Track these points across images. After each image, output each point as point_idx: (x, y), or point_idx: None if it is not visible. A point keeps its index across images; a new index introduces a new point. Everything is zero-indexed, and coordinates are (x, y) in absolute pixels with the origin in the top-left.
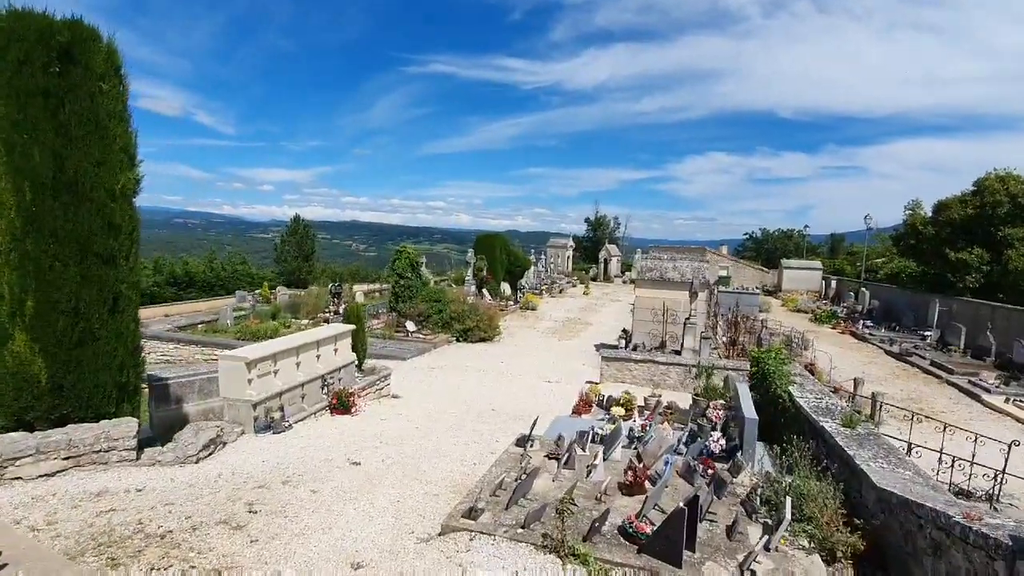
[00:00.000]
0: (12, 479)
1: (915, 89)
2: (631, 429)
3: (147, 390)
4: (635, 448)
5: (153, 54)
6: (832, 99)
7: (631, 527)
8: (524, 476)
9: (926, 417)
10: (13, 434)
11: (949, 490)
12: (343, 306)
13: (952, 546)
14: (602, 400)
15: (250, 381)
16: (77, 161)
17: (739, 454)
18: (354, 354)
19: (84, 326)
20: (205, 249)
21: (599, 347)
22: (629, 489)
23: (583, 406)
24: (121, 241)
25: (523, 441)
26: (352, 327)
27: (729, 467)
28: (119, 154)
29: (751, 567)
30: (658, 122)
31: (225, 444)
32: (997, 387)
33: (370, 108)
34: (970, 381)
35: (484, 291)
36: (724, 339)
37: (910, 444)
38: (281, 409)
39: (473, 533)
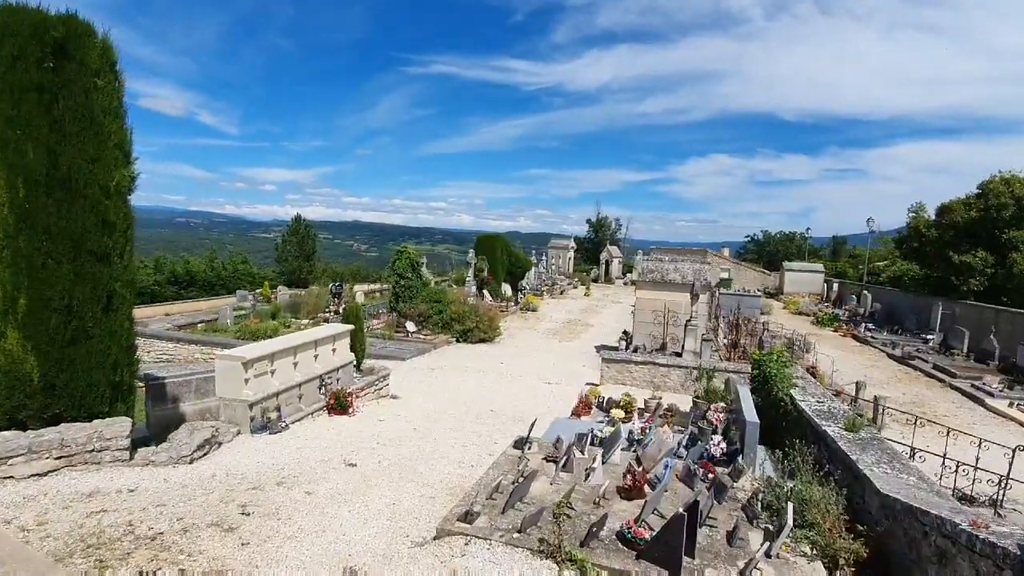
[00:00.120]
0: (4, 478)
1: (918, 91)
2: (631, 432)
3: (144, 389)
4: (634, 451)
5: (156, 53)
6: (835, 101)
7: (630, 532)
8: (521, 479)
9: (929, 421)
10: (5, 433)
11: (952, 495)
12: (343, 306)
13: (958, 554)
14: (602, 402)
15: (246, 381)
16: (71, 157)
17: (740, 458)
18: (352, 354)
19: (77, 324)
20: (207, 248)
21: (599, 349)
22: (628, 493)
23: (582, 408)
24: (115, 239)
25: (521, 443)
26: (351, 327)
27: (730, 471)
28: (114, 151)
29: (752, 574)
30: (660, 123)
31: (220, 444)
32: (1001, 391)
33: (372, 108)
34: (973, 385)
35: (485, 292)
36: (725, 341)
37: (913, 449)
38: (278, 409)
39: (468, 537)
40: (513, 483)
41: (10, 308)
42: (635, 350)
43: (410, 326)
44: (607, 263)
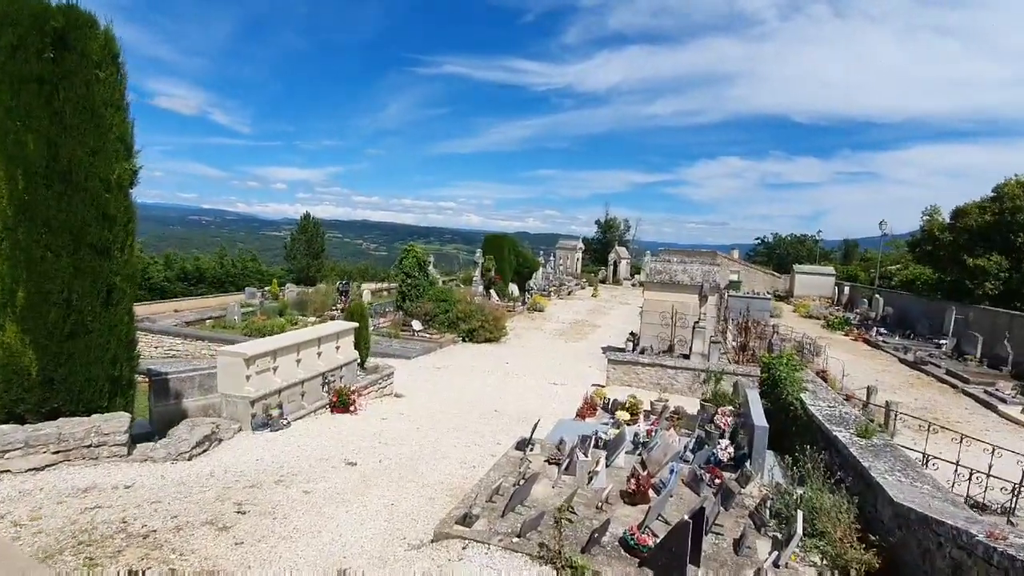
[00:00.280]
0: (1, 472)
1: (933, 93)
2: (636, 434)
3: (147, 384)
4: (639, 454)
5: (171, 52)
6: (848, 103)
7: (633, 539)
8: (522, 481)
9: (942, 428)
10: (3, 427)
11: (965, 503)
12: (349, 303)
13: (974, 567)
14: (607, 404)
15: (248, 377)
16: (71, 150)
17: (748, 463)
18: (356, 352)
19: (76, 318)
20: (218, 246)
21: (606, 350)
22: (632, 498)
23: (587, 409)
24: (116, 232)
25: (523, 445)
26: (355, 325)
27: (737, 477)
28: (115, 143)
29: None
30: (670, 125)
31: (220, 441)
32: (1014, 397)
33: (383, 108)
34: (986, 391)
35: (492, 292)
36: (734, 344)
37: (926, 455)
38: (280, 406)
39: (467, 541)
40: (514, 485)
41: (8, 301)
42: (642, 352)
43: (416, 325)
44: (615, 264)
